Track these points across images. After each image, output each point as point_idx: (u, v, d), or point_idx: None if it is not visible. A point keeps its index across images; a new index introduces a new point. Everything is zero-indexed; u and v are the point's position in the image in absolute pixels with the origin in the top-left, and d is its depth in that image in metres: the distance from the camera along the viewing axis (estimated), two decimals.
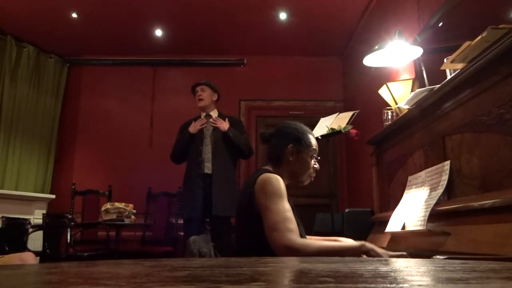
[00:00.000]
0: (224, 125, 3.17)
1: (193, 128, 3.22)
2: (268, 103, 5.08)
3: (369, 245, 1.33)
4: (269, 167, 1.59)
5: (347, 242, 1.56)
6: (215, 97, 3.36)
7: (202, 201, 3.05)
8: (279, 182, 1.43)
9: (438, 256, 1.26)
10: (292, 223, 1.34)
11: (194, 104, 3.37)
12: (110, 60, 5.12)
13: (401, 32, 2.42)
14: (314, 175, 1.63)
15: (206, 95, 3.30)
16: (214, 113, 3.32)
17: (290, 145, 1.57)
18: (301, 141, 1.58)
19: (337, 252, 1.31)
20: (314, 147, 1.61)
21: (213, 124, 3.20)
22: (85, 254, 3.56)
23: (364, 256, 1.37)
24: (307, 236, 1.77)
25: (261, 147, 5.00)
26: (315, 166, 1.61)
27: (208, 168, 3.12)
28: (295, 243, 1.27)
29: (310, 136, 1.62)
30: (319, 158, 1.63)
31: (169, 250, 4.07)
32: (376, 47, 2.47)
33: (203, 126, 3.23)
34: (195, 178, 3.11)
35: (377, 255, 1.31)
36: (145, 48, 4.91)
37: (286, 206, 1.38)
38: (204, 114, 3.32)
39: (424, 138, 1.97)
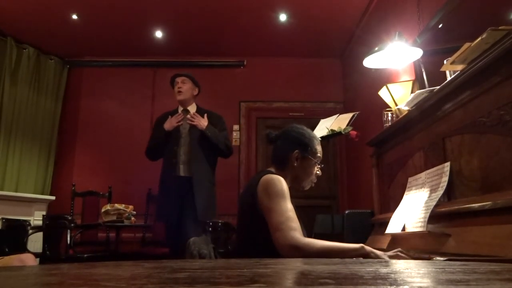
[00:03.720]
0: (202, 123, 2.92)
1: (169, 125, 2.96)
2: (268, 105, 5.08)
3: (368, 248, 1.35)
4: (272, 169, 1.59)
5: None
6: (195, 92, 3.13)
7: (178, 204, 2.85)
8: (282, 183, 1.44)
9: (438, 258, 1.26)
10: (295, 223, 1.35)
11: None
12: (110, 62, 5.13)
13: (401, 33, 2.43)
14: (315, 181, 1.64)
15: (187, 88, 3.07)
16: (192, 108, 3.09)
17: (296, 150, 1.56)
18: (307, 148, 1.58)
19: (339, 252, 1.33)
20: (319, 154, 1.61)
21: (191, 122, 2.95)
22: (85, 255, 3.56)
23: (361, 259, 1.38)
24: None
25: (261, 149, 5.00)
26: (317, 172, 1.62)
27: (183, 170, 2.91)
28: (299, 242, 1.28)
29: (316, 143, 1.62)
30: (322, 165, 1.63)
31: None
32: (376, 48, 2.47)
33: (180, 123, 2.97)
34: (169, 181, 2.90)
35: (376, 257, 1.32)
36: (145, 49, 4.92)
37: (289, 206, 1.39)
38: (182, 108, 3.08)
39: (424, 140, 1.97)
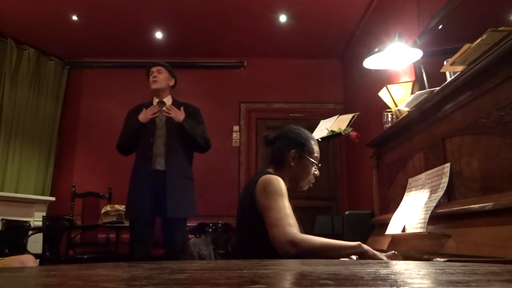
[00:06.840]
0: (179, 115, 2.77)
1: (144, 116, 2.79)
2: (268, 105, 5.08)
3: (365, 246, 1.36)
4: (270, 170, 1.60)
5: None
6: (171, 83, 2.98)
7: (152, 200, 2.68)
8: (280, 182, 1.45)
9: (438, 259, 1.26)
10: (292, 219, 1.36)
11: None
12: (110, 63, 5.13)
13: (401, 34, 2.43)
14: (313, 181, 1.66)
15: (162, 77, 2.92)
16: (168, 100, 2.93)
17: (293, 150, 1.58)
18: (303, 147, 1.60)
19: (336, 249, 1.34)
20: (316, 154, 1.63)
21: (167, 114, 2.78)
22: (85, 256, 3.56)
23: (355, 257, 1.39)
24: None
25: (261, 150, 5.00)
26: (315, 172, 1.64)
27: (159, 163, 2.74)
28: (296, 237, 1.29)
29: (313, 143, 1.64)
30: (320, 165, 1.64)
31: None
32: (376, 49, 2.47)
33: (155, 115, 2.81)
34: (144, 175, 2.72)
35: (374, 255, 1.33)
36: (145, 50, 4.92)
37: (286, 204, 1.40)
38: (157, 100, 2.92)
39: (424, 141, 1.97)
